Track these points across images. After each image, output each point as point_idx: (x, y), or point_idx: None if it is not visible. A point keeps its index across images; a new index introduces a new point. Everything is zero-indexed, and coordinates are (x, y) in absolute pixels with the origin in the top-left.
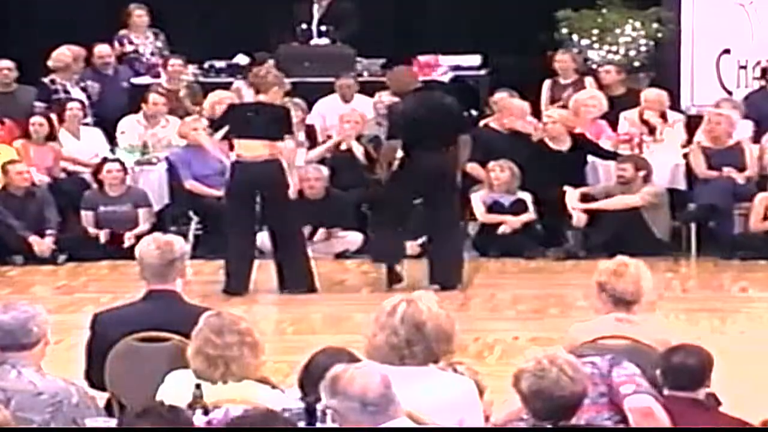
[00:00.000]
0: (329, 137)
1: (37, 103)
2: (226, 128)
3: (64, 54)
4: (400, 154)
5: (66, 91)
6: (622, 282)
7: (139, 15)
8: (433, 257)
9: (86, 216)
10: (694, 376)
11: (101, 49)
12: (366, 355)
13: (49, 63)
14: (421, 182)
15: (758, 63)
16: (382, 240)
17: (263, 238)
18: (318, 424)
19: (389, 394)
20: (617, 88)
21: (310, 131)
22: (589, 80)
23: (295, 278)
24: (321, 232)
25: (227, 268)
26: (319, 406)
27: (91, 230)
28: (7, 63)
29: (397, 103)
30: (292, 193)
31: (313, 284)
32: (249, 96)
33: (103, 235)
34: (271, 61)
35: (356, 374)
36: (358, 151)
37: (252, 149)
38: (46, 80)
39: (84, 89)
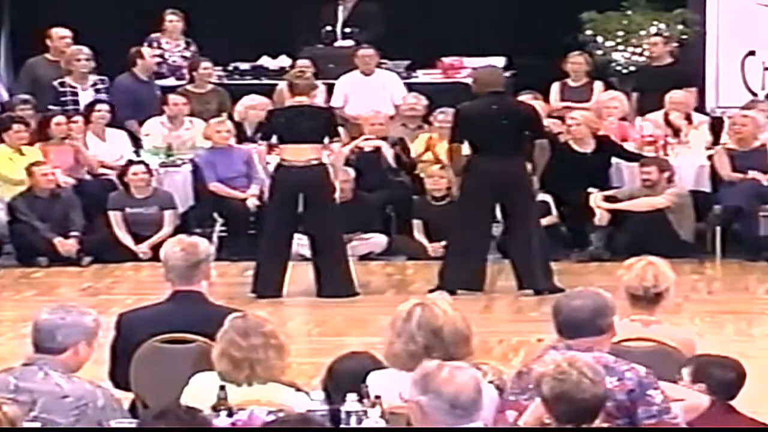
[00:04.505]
0: (353, 138)
1: (51, 106)
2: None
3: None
4: (465, 153)
5: (74, 93)
6: (634, 276)
7: (171, 20)
8: (516, 263)
9: (114, 217)
10: (731, 389)
11: (148, 49)
12: (385, 361)
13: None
14: (490, 187)
15: None
16: (458, 267)
17: (296, 241)
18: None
19: (479, 400)
20: (665, 57)
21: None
22: (598, 84)
23: (335, 283)
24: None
25: (257, 271)
26: (343, 409)
27: (118, 233)
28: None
29: (466, 106)
30: (336, 195)
31: (353, 289)
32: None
33: (129, 240)
34: (306, 62)
35: (453, 374)
36: (389, 153)
37: (300, 153)
38: (55, 83)
39: (97, 91)
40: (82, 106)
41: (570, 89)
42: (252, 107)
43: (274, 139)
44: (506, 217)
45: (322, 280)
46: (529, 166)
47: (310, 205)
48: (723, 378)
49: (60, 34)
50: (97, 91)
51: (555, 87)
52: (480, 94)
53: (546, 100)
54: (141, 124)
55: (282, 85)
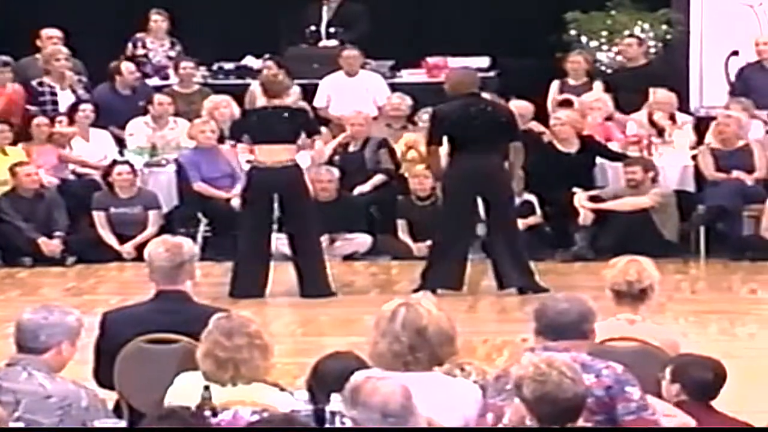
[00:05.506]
0: (334, 137)
1: (30, 107)
2: (246, 136)
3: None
4: (444, 159)
5: (53, 93)
6: (618, 272)
7: (156, 20)
8: (495, 262)
9: (98, 217)
10: (711, 390)
11: (128, 65)
12: (370, 361)
13: (39, 64)
14: (469, 184)
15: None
16: (438, 266)
17: (276, 241)
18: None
19: (410, 406)
20: (640, 59)
21: None
22: (598, 84)
23: (315, 283)
24: (325, 237)
25: (235, 272)
26: (327, 409)
27: (102, 233)
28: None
29: (442, 108)
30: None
31: (329, 289)
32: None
33: (113, 240)
34: (270, 63)
35: (377, 386)
36: (384, 155)
37: (274, 154)
38: (33, 82)
39: (74, 91)
40: (60, 106)
41: (569, 88)
42: (215, 108)
43: (245, 140)
44: (487, 215)
45: (304, 281)
46: (505, 166)
47: (287, 206)
48: (700, 378)
49: (48, 34)
50: (74, 91)
51: (554, 85)
52: (454, 95)
53: (531, 100)
54: (122, 129)
55: (254, 85)
